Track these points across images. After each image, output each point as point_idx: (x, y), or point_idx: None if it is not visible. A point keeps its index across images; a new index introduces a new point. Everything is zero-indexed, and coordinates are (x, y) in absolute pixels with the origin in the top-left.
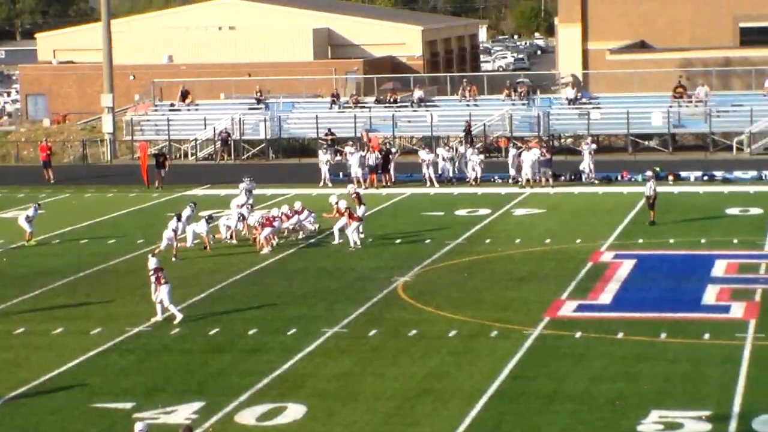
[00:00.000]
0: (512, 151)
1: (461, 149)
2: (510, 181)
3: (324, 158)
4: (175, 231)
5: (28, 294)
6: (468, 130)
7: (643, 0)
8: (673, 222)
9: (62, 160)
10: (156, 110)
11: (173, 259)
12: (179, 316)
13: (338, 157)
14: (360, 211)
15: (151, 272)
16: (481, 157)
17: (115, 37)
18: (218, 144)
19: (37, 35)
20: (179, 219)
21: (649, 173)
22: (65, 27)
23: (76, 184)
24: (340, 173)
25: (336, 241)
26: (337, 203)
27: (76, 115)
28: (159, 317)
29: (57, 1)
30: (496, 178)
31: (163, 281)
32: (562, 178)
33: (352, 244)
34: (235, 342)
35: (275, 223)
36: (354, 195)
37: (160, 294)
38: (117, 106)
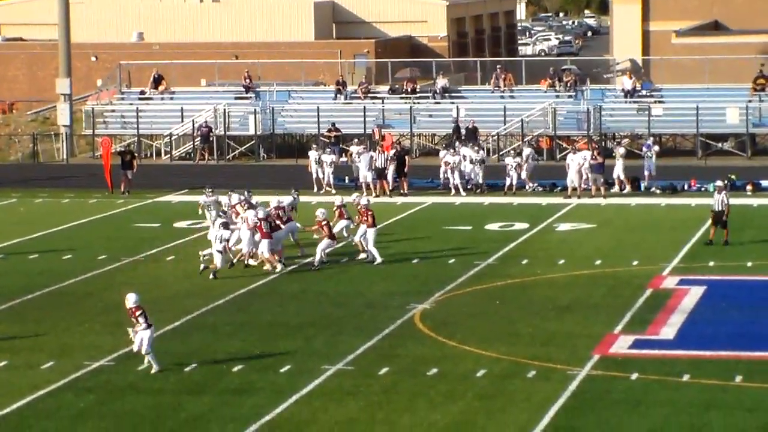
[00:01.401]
0: (526, 151)
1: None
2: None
3: (327, 159)
4: (227, 241)
5: None
6: (459, 128)
7: None
8: (752, 242)
9: (8, 158)
10: (123, 99)
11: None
12: (156, 367)
13: (343, 159)
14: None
15: (138, 312)
16: (518, 159)
17: (74, 9)
18: (198, 141)
19: None
20: (226, 227)
21: (720, 183)
22: None
23: (25, 187)
24: (346, 177)
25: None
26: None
27: (26, 104)
28: (136, 348)
29: None
30: (535, 185)
31: (148, 322)
32: (616, 187)
33: (317, 262)
34: (216, 381)
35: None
36: (363, 207)
37: (142, 336)
38: (76, 93)
